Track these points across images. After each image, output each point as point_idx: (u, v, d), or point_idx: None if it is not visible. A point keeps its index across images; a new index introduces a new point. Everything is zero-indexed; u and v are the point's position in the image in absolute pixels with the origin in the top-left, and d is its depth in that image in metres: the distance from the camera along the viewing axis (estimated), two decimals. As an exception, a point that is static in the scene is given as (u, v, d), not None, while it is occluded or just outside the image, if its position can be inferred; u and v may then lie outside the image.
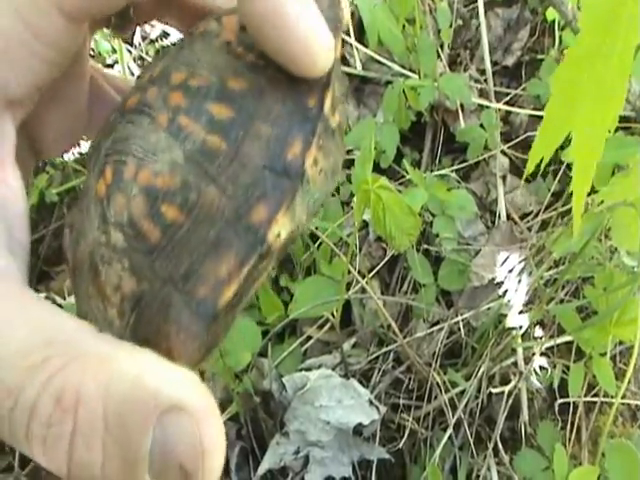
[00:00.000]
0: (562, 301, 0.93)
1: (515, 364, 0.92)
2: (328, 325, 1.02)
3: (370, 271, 1.03)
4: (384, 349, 0.99)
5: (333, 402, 0.89)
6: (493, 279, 0.94)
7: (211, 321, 0.31)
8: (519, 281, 0.91)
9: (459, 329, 0.96)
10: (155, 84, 0.34)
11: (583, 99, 0.50)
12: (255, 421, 0.99)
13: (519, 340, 0.90)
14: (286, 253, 0.38)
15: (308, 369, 0.97)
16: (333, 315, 0.92)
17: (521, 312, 0.89)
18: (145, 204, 0.31)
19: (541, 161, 0.52)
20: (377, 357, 1.01)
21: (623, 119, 0.96)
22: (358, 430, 0.92)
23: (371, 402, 0.90)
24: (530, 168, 0.55)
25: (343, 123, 0.37)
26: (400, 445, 0.96)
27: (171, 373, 0.27)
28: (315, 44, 0.29)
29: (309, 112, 0.32)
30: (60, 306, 1.13)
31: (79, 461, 0.26)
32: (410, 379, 0.99)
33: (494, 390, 0.89)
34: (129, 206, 0.31)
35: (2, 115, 0.30)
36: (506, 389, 0.88)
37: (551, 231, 0.93)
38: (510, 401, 0.91)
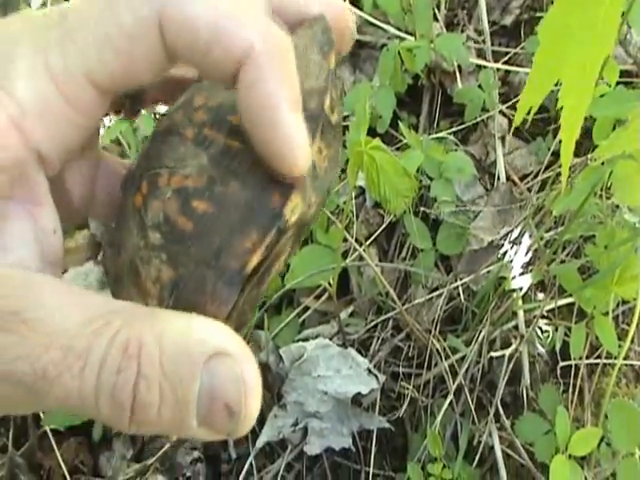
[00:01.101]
0: (563, 262, 0.93)
1: (516, 327, 0.92)
2: (326, 295, 1.02)
3: (367, 238, 1.03)
4: (382, 317, 0.99)
5: (331, 372, 0.90)
6: (492, 241, 0.93)
7: (240, 288, 0.36)
8: (519, 243, 0.90)
9: (459, 294, 0.97)
10: (181, 108, 0.40)
11: (573, 45, 0.50)
12: (253, 393, 1.00)
13: (520, 303, 0.90)
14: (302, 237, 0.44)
15: (305, 339, 0.98)
16: (330, 284, 0.92)
17: (522, 274, 0.88)
18: (178, 202, 0.36)
19: (533, 116, 0.52)
20: (376, 326, 1.01)
21: (624, 73, 0.95)
22: (357, 400, 0.93)
23: (370, 371, 0.91)
24: (519, 118, 0.54)
25: (341, 120, 0.43)
26: (401, 414, 0.96)
27: (213, 326, 0.32)
28: (298, 150, 0.34)
29: (312, 111, 0.38)
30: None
31: (141, 402, 0.31)
32: (410, 347, 1.00)
33: (495, 354, 0.89)
34: (164, 207, 0.36)
35: (37, 168, 0.35)
36: (507, 352, 0.88)
37: (551, 189, 0.93)
38: (511, 365, 0.91)
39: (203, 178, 0.36)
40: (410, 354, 1.00)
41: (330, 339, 0.97)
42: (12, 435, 1.09)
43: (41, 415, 1.10)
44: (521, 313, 0.91)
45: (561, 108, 0.50)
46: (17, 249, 0.35)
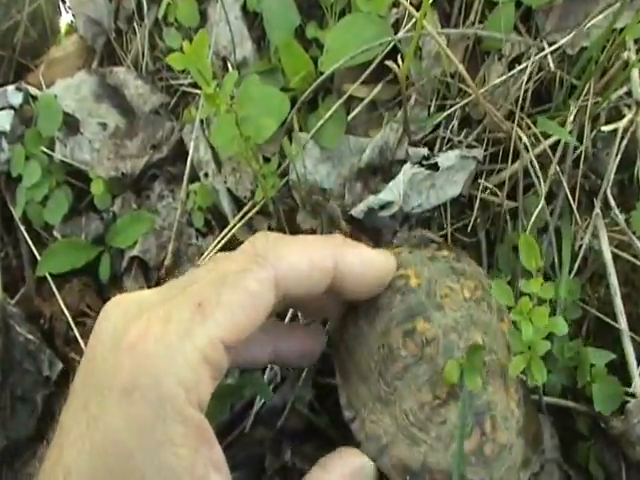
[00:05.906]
0: None
1: (629, 94, 0.74)
2: (380, 86, 0.84)
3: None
4: (450, 108, 0.81)
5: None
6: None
7: None
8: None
9: (548, 65, 0.78)
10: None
11: None
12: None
13: (633, 57, 0.71)
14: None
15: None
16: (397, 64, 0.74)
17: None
18: None
19: None
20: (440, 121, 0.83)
21: None
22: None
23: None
24: None
25: None
26: (473, 218, 0.80)
27: None
28: None
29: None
30: (35, 98, 0.96)
31: None
32: (485, 142, 0.82)
33: (606, 128, 0.71)
34: None
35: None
36: (621, 125, 0.70)
37: None
38: (622, 147, 0.73)
39: None
40: (484, 150, 0.82)
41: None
42: (2, 281, 0.96)
43: (37, 257, 0.96)
44: (635, 73, 0.72)
45: None
46: None
